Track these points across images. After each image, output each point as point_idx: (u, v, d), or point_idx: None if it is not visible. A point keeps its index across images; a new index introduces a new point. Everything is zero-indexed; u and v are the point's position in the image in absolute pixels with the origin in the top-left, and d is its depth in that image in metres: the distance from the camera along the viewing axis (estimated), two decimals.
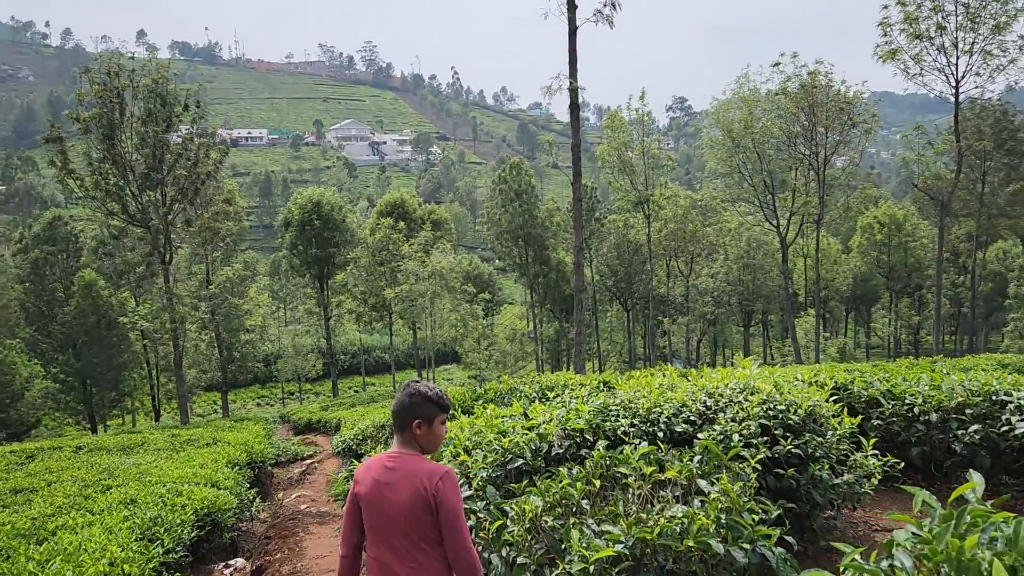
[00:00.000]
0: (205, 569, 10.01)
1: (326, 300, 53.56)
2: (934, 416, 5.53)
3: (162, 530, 8.83)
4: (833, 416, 4.88)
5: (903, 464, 5.14)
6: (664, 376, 5.89)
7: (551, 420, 4.84)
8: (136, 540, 8.24)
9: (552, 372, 50.20)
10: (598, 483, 3.93)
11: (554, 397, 6.52)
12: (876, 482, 4.72)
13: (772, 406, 4.71)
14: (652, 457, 4.18)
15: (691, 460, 4.18)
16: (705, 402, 4.99)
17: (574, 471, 4.15)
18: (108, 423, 51.68)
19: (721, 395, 5.04)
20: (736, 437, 4.37)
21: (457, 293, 46.36)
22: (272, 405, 70.60)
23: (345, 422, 25.44)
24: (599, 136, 61.64)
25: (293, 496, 16.71)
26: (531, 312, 71.15)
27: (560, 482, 3.97)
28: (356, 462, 5.60)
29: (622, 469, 4.07)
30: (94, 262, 49.93)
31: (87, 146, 31.52)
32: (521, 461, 4.38)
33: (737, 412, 4.72)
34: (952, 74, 34.41)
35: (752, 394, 4.92)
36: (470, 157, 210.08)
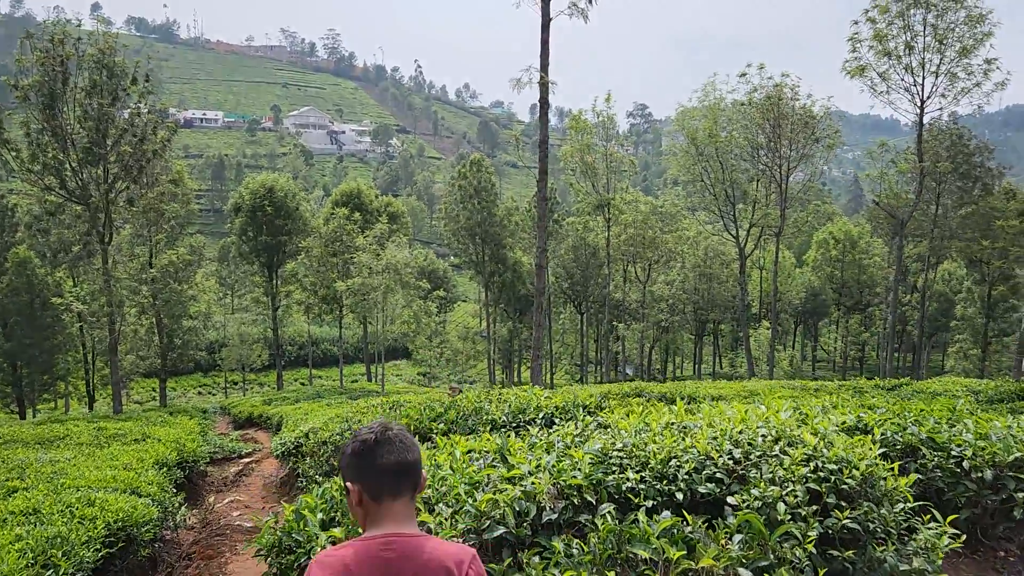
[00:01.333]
0: None
1: (275, 289, 51.66)
2: (988, 473, 4.61)
3: (60, 553, 7.59)
4: (889, 476, 3.89)
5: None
6: (670, 412, 4.88)
7: (538, 469, 3.78)
8: (26, 567, 7.04)
9: (503, 372, 49.35)
10: None
11: (540, 420, 5.45)
12: (940, 563, 3.75)
13: (820, 464, 3.72)
14: (677, 533, 3.15)
15: (729, 539, 3.16)
16: (732, 454, 3.96)
17: (574, 549, 3.10)
18: (38, 407, 49.13)
19: (751, 444, 4.02)
20: (781, 506, 3.36)
21: (411, 289, 44.98)
22: (214, 394, 68.30)
23: (287, 420, 24.04)
24: (560, 138, 60.91)
25: (226, 501, 15.43)
26: (485, 311, 70.05)
27: (557, 565, 2.92)
28: (281, 504, 4.45)
29: (638, 550, 3.02)
30: (29, 239, 47.32)
31: (26, 116, 29.57)
32: (502, 530, 3.31)
33: (775, 470, 3.71)
34: (918, 94, 34.34)
35: (790, 446, 3.93)
36: (430, 152, 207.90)
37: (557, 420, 6.37)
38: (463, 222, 60.09)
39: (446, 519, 3.50)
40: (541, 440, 4.54)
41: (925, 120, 35.68)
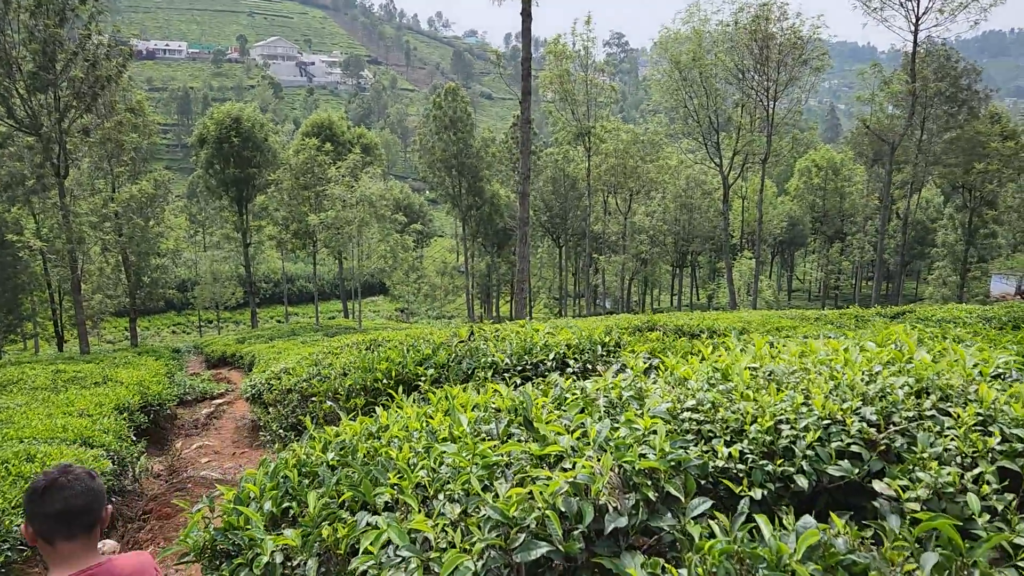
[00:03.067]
0: None
1: (245, 225, 49.68)
2: None
3: None
4: None
5: None
6: (744, 352, 3.63)
7: (585, 442, 2.55)
8: None
9: (482, 307, 48.35)
10: None
11: (551, 362, 4.21)
12: None
13: (1005, 430, 2.51)
14: (827, 553, 1.95)
15: (909, 559, 1.96)
16: (864, 415, 2.76)
17: None
18: (5, 349, 47.42)
19: (886, 399, 2.80)
20: (974, 501, 2.16)
21: (387, 222, 43.38)
22: (189, 333, 66.97)
23: (259, 360, 22.86)
24: (537, 69, 58.53)
25: (194, 447, 14.37)
26: (463, 245, 68.59)
27: None
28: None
29: None
30: None
31: None
32: (545, 547, 2.08)
33: (937, 439, 2.51)
34: (913, 10, 32.77)
35: (945, 400, 2.72)
36: (402, 83, 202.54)
37: (571, 362, 5.17)
38: (439, 154, 58.11)
39: (450, 524, 2.27)
40: (574, 395, 3.30)
41: (921, 38, 34.21)
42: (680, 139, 47.77)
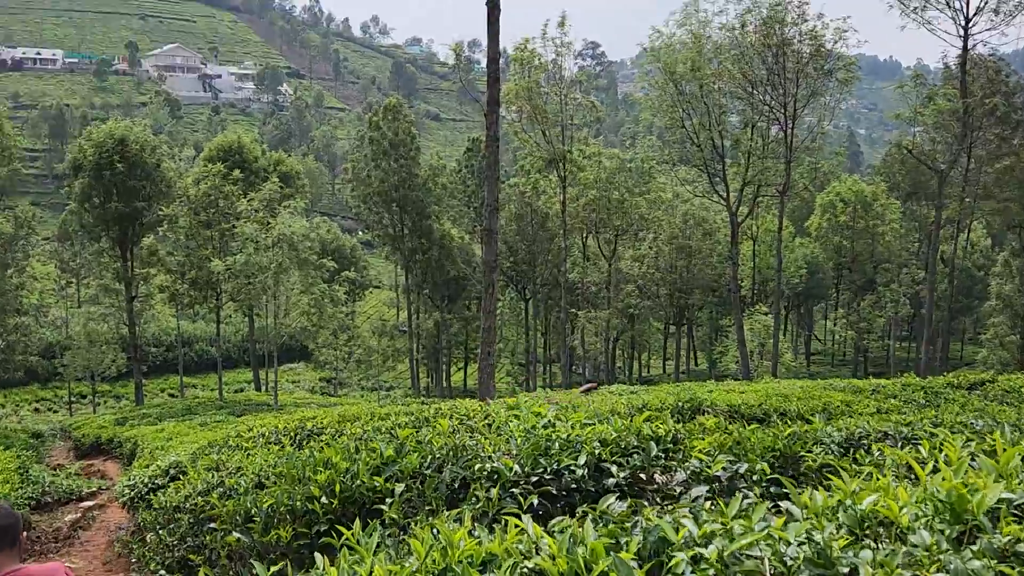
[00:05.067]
0: None
1: (130, 273, 48.11)
2: None
3: None
4: None
5: None
6: (974, 470, 2.59)
7: None
8: None
9: (429, 375, 46.94)
10: None
11: (582, 469, 3.12)
12: None
13: None
14: None
15: None
16: None
17: None
18: None
19: None
20: None
21: (311, 268, 42.30)
22: (56, 411, 64.81)
23: (143, 448, 21.40)
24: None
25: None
26: (405, 298, 67.60)
27: None
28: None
29: None
30: None
31: None
32: None
33: None
34: (961, 10, 33.06)
35: None
36: (330, 101, 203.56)
37: (613, 468, 4.12)
38: (376, 185, 57.67)
39: None
40: (698, 559, 2.18)
41: (971, 44, 34.47)
42: (677, 166, 47.66)
